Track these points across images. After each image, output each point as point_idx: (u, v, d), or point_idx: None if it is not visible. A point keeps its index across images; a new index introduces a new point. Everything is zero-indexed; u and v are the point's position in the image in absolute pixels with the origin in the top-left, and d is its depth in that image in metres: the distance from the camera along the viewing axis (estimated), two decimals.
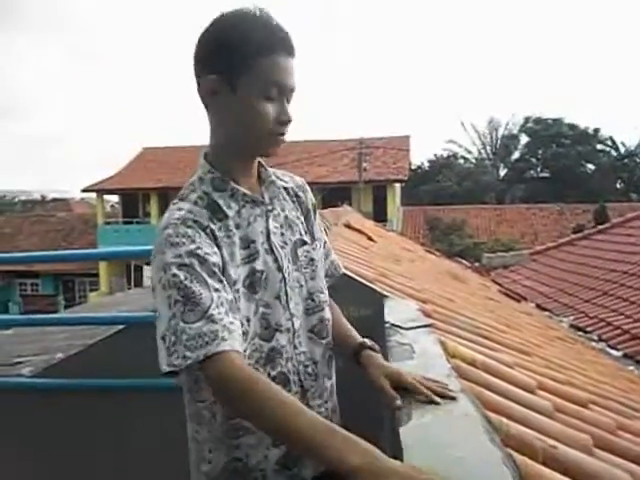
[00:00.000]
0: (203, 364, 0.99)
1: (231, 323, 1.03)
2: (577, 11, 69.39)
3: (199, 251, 1.06)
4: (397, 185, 25.53)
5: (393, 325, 1.71)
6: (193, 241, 1.06)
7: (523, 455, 1.07)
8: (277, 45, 1.11)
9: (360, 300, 1.61)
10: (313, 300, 1.26)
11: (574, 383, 2.26)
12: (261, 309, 1.15)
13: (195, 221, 1.09)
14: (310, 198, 1.36)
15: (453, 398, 1.13)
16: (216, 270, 1.07)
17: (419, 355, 1.49)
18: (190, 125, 79.26)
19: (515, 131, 36.44)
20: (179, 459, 2.45)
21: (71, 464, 2.47)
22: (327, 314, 1.29)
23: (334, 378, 1.32)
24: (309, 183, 1.42)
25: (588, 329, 5.14)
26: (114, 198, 30.44)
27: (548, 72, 67.47)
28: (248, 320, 1.12)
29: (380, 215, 21.97)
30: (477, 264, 9.89)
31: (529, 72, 70.18)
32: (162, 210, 25.96)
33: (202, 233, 1.08)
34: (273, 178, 1.26)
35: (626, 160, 33.79)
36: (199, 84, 1.15)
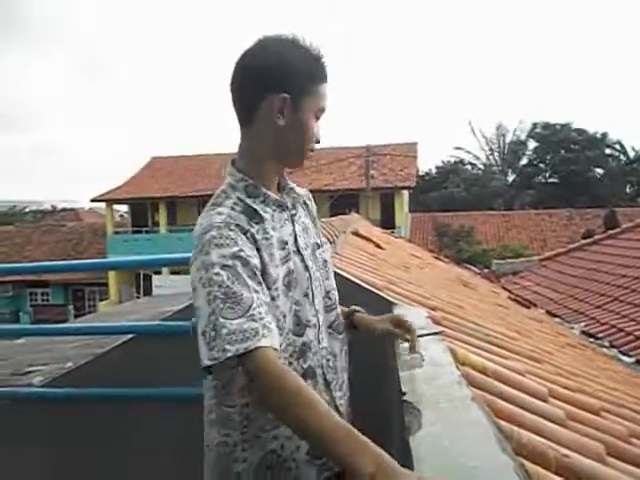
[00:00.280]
0: (242, 358, 1.04)
1: (270, 323, 1.10)
2: (584, 16, 69.35)
3: (242, 253, 1.13)
4: (405, 192, 25.50)
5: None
6: (236, 243, 1.14)
7: (535, 464, 1.06)
8: (326, 74, 1.29)
9: (369, 308, 1.61)
10: (330, 298, 1.39)
11: (586, 390, 2.24)
12: (294, 306, 1.25)
13: (237, 225, 1.17)
14: (314, 206, 1.49)
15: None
16: (256, 272, 1.14)
17: (428, 363, 1.48)
18: (198, 135, 79.85)
19: (523, 137, 36.35)
20: (190, 467, 2.45)
21: (81, 473, 2.48)
22: (339, 311, 1.43)
23: (347, 372, 1.42)
24: (316, 191, 1.57)
25: (599, 335, 5.09)
26: (123, 208, 30.63)
27: (556, 78, 67.40)
28: (284, 316, 1.22)
29: (388, 222, 21.94)
30: (486, 270, 9.85)
31: (537, 78, 70.16)
32: (171, 219, 26.10)
33: (243, 236, 1.16)
34: (292, 185, 1.38)
35: (635, 165, 33.57)
36: (262, 99, 1.23)
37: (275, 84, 1.23)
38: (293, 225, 1.31)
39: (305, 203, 1.42)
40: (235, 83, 1.28)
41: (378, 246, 4.98)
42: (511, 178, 36.53)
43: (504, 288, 7.84)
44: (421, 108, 77.95)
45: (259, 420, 1.20)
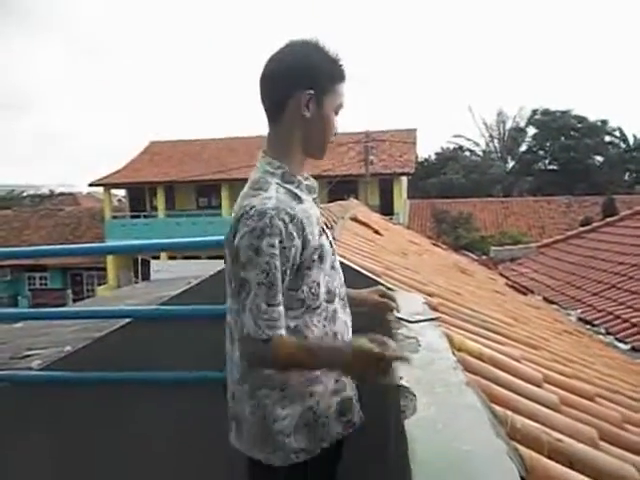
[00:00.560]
0: (265, 341, 1.29)
1: (282, 312, 1.33)
2: (585, 2, 68.70)
3: (286, 243, 1.33)
4: (404, 178, 25.44)
5: (399, 318, 1.72)
6: (281, 234, 1.32)
7: (529, 448, 1.07)
8: (345, 75, 1.47)
9: None
10: (340, 275, 1.55)
11: (581, 377, 2.25)
12: (326, 277, 1.45)
13: (287, 212, 1.35)
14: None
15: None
16: (292, 262, 1.35)
17: (425, 348, 1.49)
18: (196, 119, 79.36)
19: (523, 123, 36.20)
20: (189, 448, 2.48)
21: (79, 456, 2.50)
22: None
23: None
24: (315, 176, 1.61)
25: (596, 322, 5.11)
26: (121, 192, 30.54)
27: (557, 65, 66.88)
28: (318, 285, 1.42)
29: (387, 208, 21.91)
30: (484, 257, 9.87)
31: (538, 65, 69.62)
32: (169, 204, 26.03)
33: (290, 224, 1.34)
34: (308, 175, 1.53)
35: (634, 152, 33.49)
36: (290, 95, 1.41)
37: (302, 82, 1.41)
38: (317, 207, 1.52)
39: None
40: (265, 82, 1.45)
41: (376, 232, 4.98)
42: (510, 165, 36.43)
43: (502, 275, 7.86)
44: (421, 95, 77.51)
45: (297, 375, 1.40)
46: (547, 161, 35.08)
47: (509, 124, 36.85)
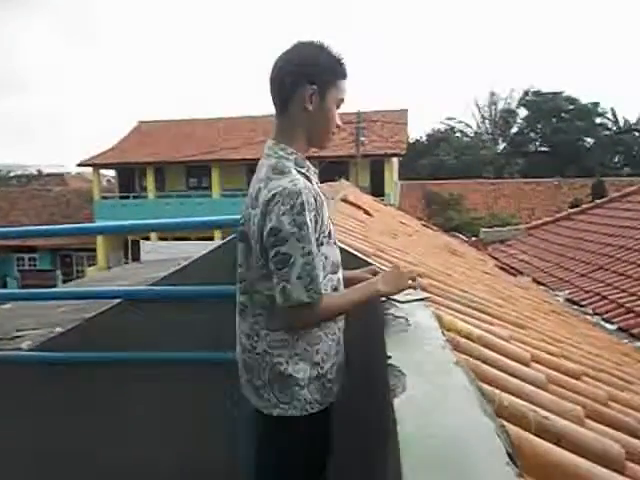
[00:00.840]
0: (316, 303, 1.49)
1: (321, 276, 1.52)
2: None
3: (318, 218, 1.51)
4: (395, 159, 25.38)
5: (389, 298, 1.72)
6: (314, 209, 1.49)
7: (516, 426, 1.09)
8: (346, 73, 1.64)
9: None
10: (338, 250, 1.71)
11: (568, 356, 2.28)
12: (333, 251, 1.62)
13: (313, 191, 1.50)
14: None
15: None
16: (317, 235, 1.51)
17: (414, 328, 1.50)
18: (185, 100, 78.36)
19: (514, 105, 36.14)
20: (181, 428, 2.49)
21: (69, 435, 2.51)
22: None
23: None
24: (306, 158, 1.66)
25: (583, 303, 5.17)
26: (110, 173, 30.24)
27: (549, 46, 66.56)
28: (327, 258, 1.58)
29: (377, 189, 21.89)
30: (474, 239, 9.91)
31: (530, 46, 69.25)
32: (159, 185, 25.82)
33: (317, 203, 1.50)
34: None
35: (624, 135, 33.57)
36: (295, 89, 1.56)
37: (306, 77, 1.56)
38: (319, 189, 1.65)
39: None
40: (274, 77, 1.59)
41: (367, 213, 4.98)
42: (501, 146, 36.45)
43: (491, 256, 7.90)
44: (412, 76, 76.97)
45: (306, 336, 1.55)
46: (538, 143, 35.15)
47: (500, 105, 36.81)
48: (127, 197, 26.20)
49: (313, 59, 1.58)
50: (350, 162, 23.38)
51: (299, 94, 1.57)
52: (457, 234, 10.34)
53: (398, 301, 1.71)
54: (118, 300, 2.54)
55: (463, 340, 1.57)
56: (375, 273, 1.82)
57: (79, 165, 27.03)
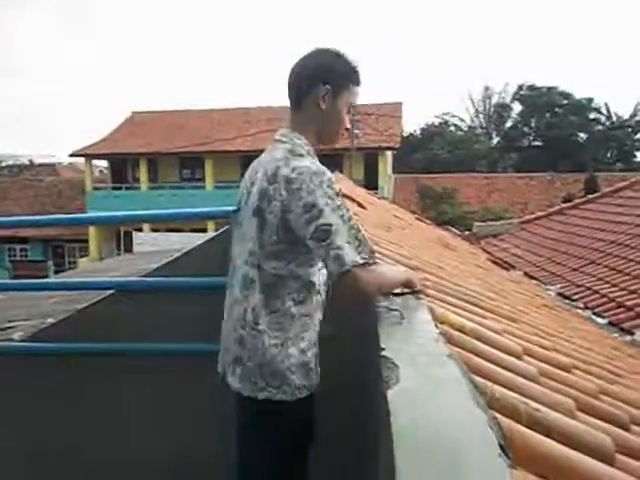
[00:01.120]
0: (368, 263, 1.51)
1: None
2: None
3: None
4: (389, 153, 25.37)
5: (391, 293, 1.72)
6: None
7: (508, 418, 1.09)
8: (360, 80, 1.75)
9: None
10: None
11: (559, 349, 2.30)
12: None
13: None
14: None
15: None
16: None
17: (408, 321, 1.50)
18: (179, 91, 77.90)
19: (508, 99, 36.18)
20: (173, 419, 2.49)
21: (60, 427, 2.50)
22: None
23: None
24: None
25: (575, 297, 5.20)
26: (103, 163, 30.05)
27: (543, 40, 66.60)
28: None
29: (371, 182, 21.88)
30: (467, 232, 9.93)
31: (524, 40, 69.26)
32: (152, 176, 25.69)
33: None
34: None
35: (617, 131, 33.70)
36: (310, 90, 1.67)
37: (321, 78, 1.67)
38: None
39: None
40: (292, 82, 1.70)
41: (361, 206, 4.97)
42: (495, 141, 36.51)
43: (484, 250, 7.93)
44: (407, 69, 76.87)
45: (300, 319, 1.61)
46: (532, 137, 35.23)
47: (495, 100, 36.84)
48: (119, 188, 26.05)
49: (329, 65, 1.69)
50: (344, 155, 23.33)
51: (314, 94, 1.67)
52: (450, 228, 10.38)
53: (391, 294, 1.72)
54: (110, 291, 2.53)
55: (456, 333, 1.57)
56: (373, 252, 1.84)
57: (71, 155, 26.84)
